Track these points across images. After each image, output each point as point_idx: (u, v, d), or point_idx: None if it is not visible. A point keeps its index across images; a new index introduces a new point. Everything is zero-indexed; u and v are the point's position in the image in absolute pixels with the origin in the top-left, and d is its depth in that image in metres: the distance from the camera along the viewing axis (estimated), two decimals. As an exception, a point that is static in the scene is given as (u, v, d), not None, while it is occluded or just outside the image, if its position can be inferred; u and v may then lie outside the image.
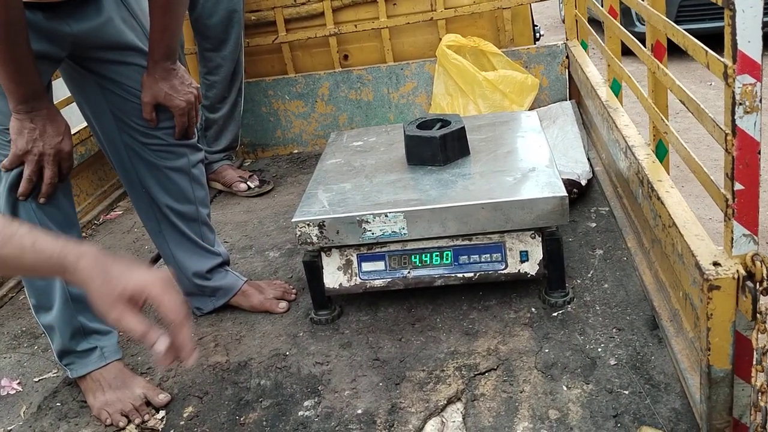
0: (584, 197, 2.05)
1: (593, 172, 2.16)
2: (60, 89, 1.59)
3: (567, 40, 2.61)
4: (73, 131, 2.05)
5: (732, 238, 0.99)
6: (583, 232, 1.88)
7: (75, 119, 1.80)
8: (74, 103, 1.63)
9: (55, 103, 1.46)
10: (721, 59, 0.96)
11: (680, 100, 1.22)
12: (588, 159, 2.19)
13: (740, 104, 0.93)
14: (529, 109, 2.53)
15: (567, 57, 2.57)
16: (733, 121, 0.93)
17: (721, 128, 0.99)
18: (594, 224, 1.91)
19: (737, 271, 0.98)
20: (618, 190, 1.93)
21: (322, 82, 2.71)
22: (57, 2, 1.38)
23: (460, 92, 2.51)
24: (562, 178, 1.90)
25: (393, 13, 2.63)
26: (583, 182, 2.04)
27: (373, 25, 2.62)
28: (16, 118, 1.34)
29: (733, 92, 0.92)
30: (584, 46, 2.54)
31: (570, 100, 2.57)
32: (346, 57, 2.73)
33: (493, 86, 2.47)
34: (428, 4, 2.61)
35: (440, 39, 2.58)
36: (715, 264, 1.01)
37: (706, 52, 1.03)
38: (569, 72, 2.59)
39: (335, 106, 2.73)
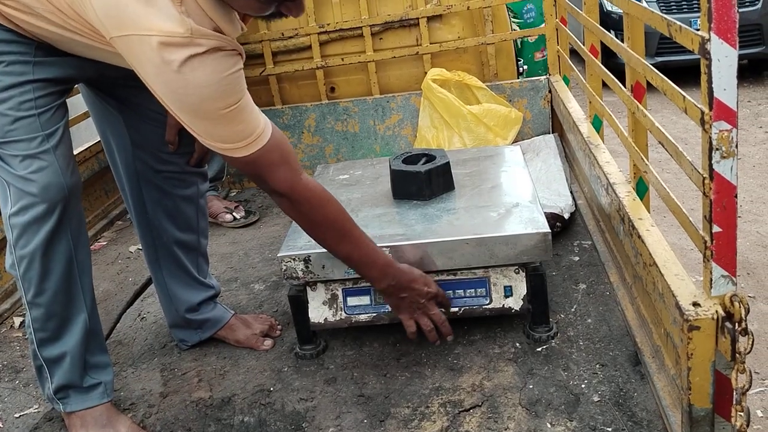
0: (567, 231, 2.08)
1: (576, 206, 2.19)
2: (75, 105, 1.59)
3: (549, 75, 2.66)
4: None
5: (711, 279, 1.01)
6: (567, 265, 1.90)
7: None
8: (84, 121, 1.63)
9: (69, 118, 1.44)
10: (698, 105, 0.99)
11: (659, 142, 1.25)
12: (571, 192, 2.22)
13: (717, 149, 0.95)
14: (513, 142, 2.57)
15: (549, 91, 2.62)
16: (710, 165, 0.96)
17: (699, 172, 1.01)
18: (577, 258, 1.94)
19: (716, 311, 1.00)
20: (600, 225, 1.96)
21: (308, 114, 2.73)
22: None
23: (446, 125, 2.55)
24: (546, 212, 1.93)
25: (379, 47, 2.67)
26: (566, 216, 2.07)
27: (359, 58, 2.66)
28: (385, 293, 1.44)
29: (710, 138, 0.95)
30: (566, 81, 2.60)
31: (553, 133, 2.61)
32: (332, 89, 2.76)
33: (478, 119, 2.50)
34: (414, 39, 2.65)
35: (425, 73, 2.62)
36: (695, 304, 1.03)
37: (684, 97, 1.07)
38: (552, 106, 2.64)
39: (321, 138, 2.75)
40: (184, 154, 1.59)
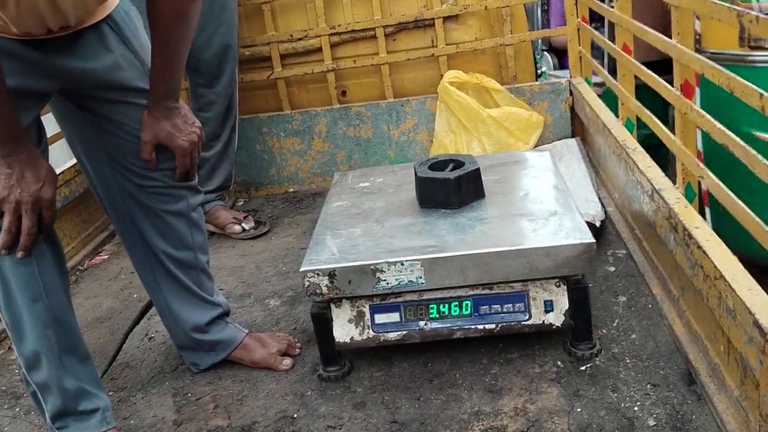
0: (600, 239, 1.97)
1: (606, 213, 2.08)
2: (50, 124, 1.48)
3: (571, 77, 2.56)
4: (58, 170, 1.93)
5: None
6: (603, 276, 1.80)
7: (58, 157, 1.68)
8: (63, 139, 1.53)
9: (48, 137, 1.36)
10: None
11: (722, 144, 1.14)
12: (599, 198, 2.12)
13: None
14: (534, 147, 2.47)
15: (571, 94, 2.52)
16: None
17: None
18: (613, 268, 1.83)
19: (811, 333, 0.89)
20: (636, 233, 1.85)
21: (319, 119, 2.62)
22: (49, 38, 1.28)
23: (464, 129, 2.44)
24: (578, 220, 1.82)
25: (393, 49, 2.56)
26: (597, 224, 1.96)
27: (372, 60, 2.55)
28: None
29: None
30: (588, 82, 2.50)
31: (574, 137, 2.51)
32: (344, 93, 2.66)
33: (498, 123, 2.40)
34: (429, 40, 2.55)
35: (441, 75, 2.52)
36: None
37: (761, 95, 0.96)
38: (573, 109, 2.54)
39: (333, 144, 2.65)
40: (165, 170, 1.46)
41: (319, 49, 2.56)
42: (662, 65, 1.78)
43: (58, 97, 1.38)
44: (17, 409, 1.63)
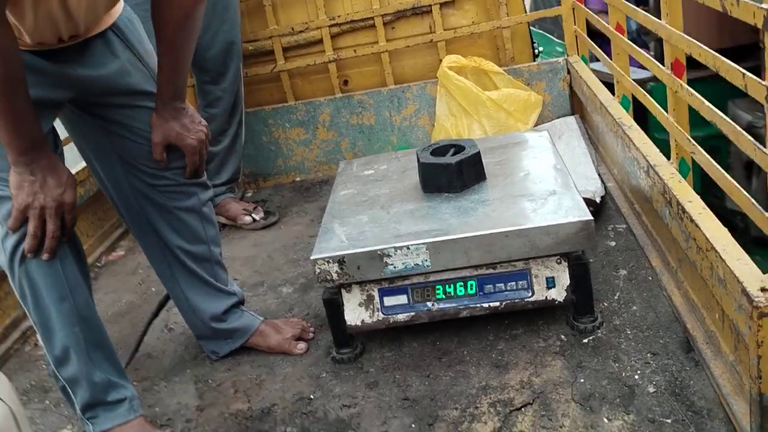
0: (600, 215, 2.02)
1: (606, 189, 2.13)
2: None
3: (568, 55, 2.59)
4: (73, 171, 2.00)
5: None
6: (604, 251, 1.85)
7: (68, 159, 1.75)
8: (71, 144, 1.59)
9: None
10: (762, 83, 0.93)
11: (711, 121, 1.19)
12: (599, 175, 2.16)
13: (787, 126, 0.90)
14: (534, 126, 2.51)
15: (568, 72, 2.56)
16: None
17: (764, 152, 0.96)
18: (614, 243, 1.88)
19: (791, 297, 0.94)
20: (635, 207, 1.90)
21: (322, 109, 2.67)
22: (61, 49, 1.34)
23: (464, 113, 2.48)
24: (578, 197, 1.87)
25: (392, 37, 2.60)
26: (598, 200, 2.01)
27: (372, 49, 2.59)
28: (15, 172, 1.28)
29: (779, 114, 0.89)
30: (585, 60, 2.53)
31: (573, 115, 2.55)
32: (346, 82, 2.70)
33: (498, 105, 2.44)
34: (427, 26, 2.59)
35: (440, 60, 2.55)
36: (764, 290, 0.98)
37: (744, 74, 1.01)
38: (571, 87, 2.57)
39: (337, 132, 2.70)
40: (176, 168, 1.52)
41: (320, 41, 2.61)
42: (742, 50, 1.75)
43: (68, 106, 1.44)
44: (47, 402, 1.71)
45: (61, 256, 1.36)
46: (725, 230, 1.17)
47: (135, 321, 1.99)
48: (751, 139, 1.03)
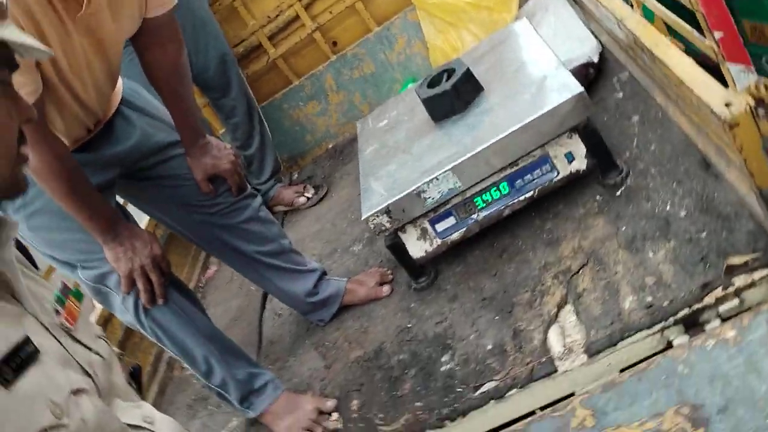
0: (602, 71, 2.12)
1: (602, 44, 2.21)
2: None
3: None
4: (143, 225, 2.28)
5: (732, 78, 1.09)
6: (614, 104, 1.97)
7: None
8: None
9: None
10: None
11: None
12: (592, 32, 2.24)
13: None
14: (518, 8, 2.58)
15: (531, -54, 2.59)
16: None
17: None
18: (621, 94, 1.99)
19: (747, 103, 1.09)
20: (630, 54, 1.99)
21: (324, 76, 2.84)
22: (92, 138, 1.58)
23: (450, 26, 2.59)
24: (576, 65, 2.00)
25: (357, -16, 2.72)
26: (596, 59, 2.11)
27: (345, 3, 2.72)
28: (107, 249, 1.54)
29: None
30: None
31: (551, -17, 2.59)
32: (335, 44, 2.85)
33: (476, 6, 2.53)
34: (385, -40, 2.68)
35: (409, -14, 2.65)
36: (728, 105, 1.12)
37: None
38: (539, -42, 2.61)
39: (345, 90, 2.87)
40: (224, 192, 1.75)
41: (297, 17, 2.75)
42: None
43: (118, 181, 1.67)
44: (210, 407, 2.06)
45: (172, 296, 1.64)
46: (691, 61, 1.30)
47: (249, 319, 2.29)
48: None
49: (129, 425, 0.90)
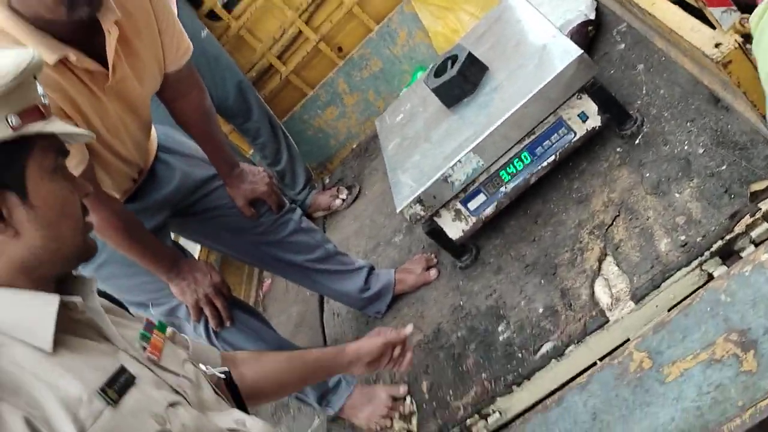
0: (601, 26, 2.16)
1: (596, -1, 2.25)
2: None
3: None
4: (196, 254, 2.42)
5: (717, 20, 1.15)
6: (618, 57, 2.02)
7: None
8: None
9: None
10: None
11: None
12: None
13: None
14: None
15: None
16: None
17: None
18: (623, 45, 2.04)
19: (735, 41, 1.14)
20: (625, 5, 2.04)
21: (336, 81, 2.94)
22: (138, 186, 1.71)
23: (447, 10, 2.65)
24: (575, 26, 2.05)
25: (351, -11, 2.80)
26: (592, 15, 2.15)
27: (343, 10, 2.81)
28: (173, 284, 1.68)
29: None
30: None
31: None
32: (340, 49, 2.94)
33: (468, -13, 2.59)
34: (371, -39, 2.76)
35: (401, -20, 2.73)
36: (717, 45, 1.18)
37: None
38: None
39: (359, 91, 2.96)
40: (265, 212, 1.87)
41: (300, 32, 2.86)
42: None
43: (170, 220, 1.80)
44: (291, 412, 2.20)
45: (237, 316, 1.77)
46: (677, 8, 1.36)
47: (311, 323, 2.42)
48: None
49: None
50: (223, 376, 1.12)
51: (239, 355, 1.33)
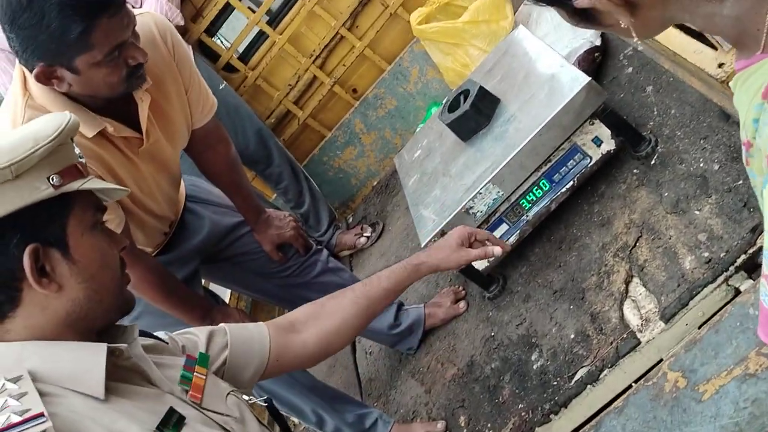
0: (607, 51, 2.21)
1: (600, 25, 2.30)
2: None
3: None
4: (227, 299, 2.47)
5: (717, 42, 1.19)
6: (627, 80, 2.05)
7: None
8: None
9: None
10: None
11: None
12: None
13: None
14: (514, 13, 2.69)
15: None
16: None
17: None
18: (630, 68, 2.08)
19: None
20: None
21: (353, 122, 3.02)
22: (169, 237, 1.77)
23: (455, 47, 2.72)
24: (582, 52, 2.09)
25: (361, 33, 2.88)
26: (598, 42, 2.20)
27: (355, 53, 2.89)
28: None
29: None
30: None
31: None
32: (354, 91, 3.02)
33: (474, 23, 2.66)
34: (380, 5, 2.84)
35: (408, 22, 2.80)
36: (720, 65, 1.22)
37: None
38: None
39: (376, 130, 3.03)
40: (293, 255, 1.92)
41: (315, 77, 2.95)
42: None
43: (200, 267, 1.87)
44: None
45: None
46: (679, 32, 1.40)
47: (344, 363, 2.44)
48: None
49: None
50: (265, 404, 1.15)
51: (297, 317, 1.31)
